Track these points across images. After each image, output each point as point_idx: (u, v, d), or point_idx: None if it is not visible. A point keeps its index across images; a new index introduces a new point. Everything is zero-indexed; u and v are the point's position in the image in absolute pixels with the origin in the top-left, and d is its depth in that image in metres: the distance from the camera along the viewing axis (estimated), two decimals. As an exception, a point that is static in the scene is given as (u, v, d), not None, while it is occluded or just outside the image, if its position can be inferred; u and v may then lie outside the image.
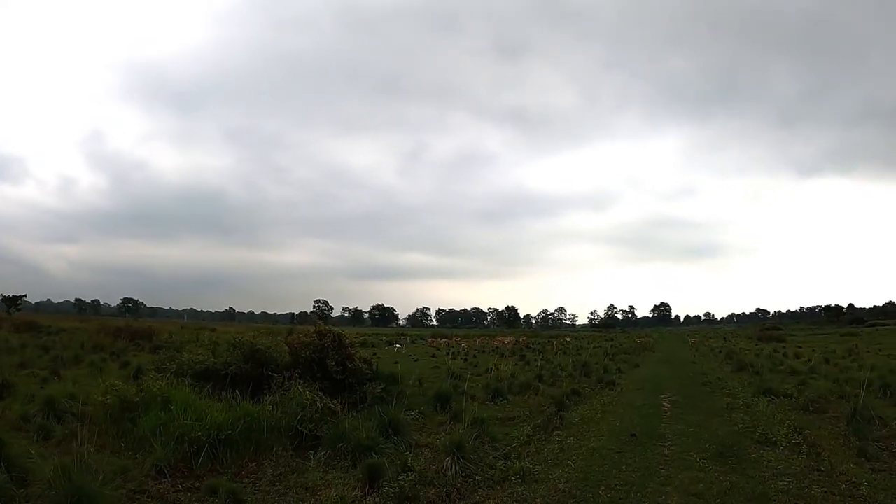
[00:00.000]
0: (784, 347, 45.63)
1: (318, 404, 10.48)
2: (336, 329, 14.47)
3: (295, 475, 8.32)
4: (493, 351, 41.06)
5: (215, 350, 13.98)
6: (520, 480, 8.28)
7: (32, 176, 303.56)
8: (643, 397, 17.04)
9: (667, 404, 15.53)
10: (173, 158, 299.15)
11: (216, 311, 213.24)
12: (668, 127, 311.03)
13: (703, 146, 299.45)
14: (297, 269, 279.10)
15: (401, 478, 7.82)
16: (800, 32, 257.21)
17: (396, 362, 27.92)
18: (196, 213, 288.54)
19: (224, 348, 13.89)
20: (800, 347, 44.90)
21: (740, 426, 12.22)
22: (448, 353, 36.25)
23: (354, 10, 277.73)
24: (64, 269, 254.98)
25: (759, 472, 8.68)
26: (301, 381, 11.81)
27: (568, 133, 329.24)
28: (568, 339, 62.26)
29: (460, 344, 51.93)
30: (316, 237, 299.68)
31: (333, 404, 10.80)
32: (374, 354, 33.03)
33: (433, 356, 34.24)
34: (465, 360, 31.86)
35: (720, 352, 39.36)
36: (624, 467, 9.01)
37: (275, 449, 9.25)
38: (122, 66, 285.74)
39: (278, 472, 8.46)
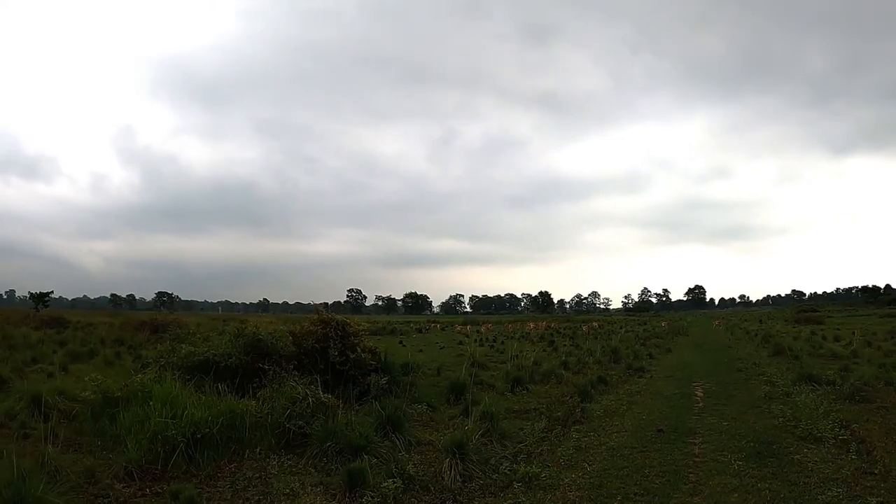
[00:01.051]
0: (822, 329, 43.89)
1: (310, 398, 9.58)
2: (339, 316, 13.58)
3: (272, 480, 7.41)
4: (523, 337, 40.11)
5: (223, 341, 13.22)
6: (524, 487, 7.24)
7: (64, 174, 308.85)
8: (674, 385, 15.93)
9: (699, 393, 14.38)
10: (203, 152, 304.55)
11: (250, 303, 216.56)
12: (698, 107, 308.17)
13: (735, 126, 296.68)
14: (329, 259, 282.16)
15: (384, 485, 6.88)
16: (831, 7, 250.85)
17: (421, 350, 27.55)
18: (228, 205, 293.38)
19: (227, 338, 13.07)
20: (839, 329, 43.02)
21: (780, 419, 10.96)
22: (476, 340, 35.45)
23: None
24: (99, 264, 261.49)
25: (803, 476, 7.49)
26: (297, 373, 11.10)
27: (598, 116, 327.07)
28: (595, 324, 61.06)
29: (490, 330, 51.35)
30: (348, 226, 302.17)
31: (327, 398, 9.84)
32: (400, 342, 32.74)
33: (460, 343, 33.30)
34: (492, 346, 31.04)
35: (756, 335, 37.82)
36: (647, 471, 7.88)
37: (258, 449, 8.39)
38: (150, 62, 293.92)
39: (255, 475, 7.57)
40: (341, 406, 9.94)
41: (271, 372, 10.98)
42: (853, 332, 35.30)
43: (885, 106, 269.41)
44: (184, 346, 12.68)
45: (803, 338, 33.06)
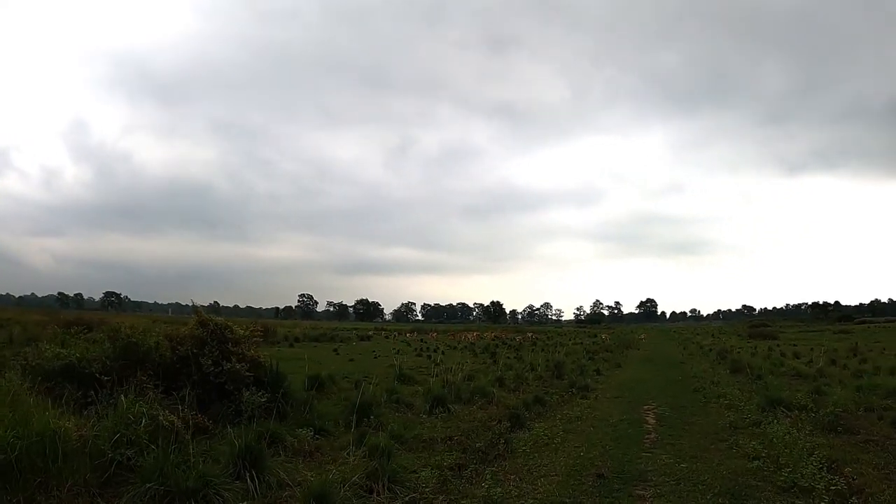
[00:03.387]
0: (779, 346, 42.76)
1: (144, 419, 7.37)
2: (220, 319, 11.20)
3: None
4: (466, 347, 38.09)
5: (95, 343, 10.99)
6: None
7: (15, 168, 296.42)
8: (622, 409, 13.74)
9: (651, 420, 12.18)
10: (158, 151, 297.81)
11: (201, 306, 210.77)
12: (656, 122, 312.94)
13: (691, 142, 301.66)
14: (282, 264, 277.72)
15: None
16: (789, 29, 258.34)
17: (352, 359, 25.74)
18: (181, 206, 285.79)
19: (100, 340, 11.05)
20: (795, 346, 41.88)
21: (753, 460, 8.63)
22: (416, 349, 33.46)
23: (340, 1, 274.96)
24: (48, 262, 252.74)
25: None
26: (151, 385, 9.16)
27: (555, 128, 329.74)
28: (530, 335, 59.74)
29: (436, 339, 50.35)
30: (302, 231, 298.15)
31: (171, 421, 7.64)
32: (335, 350, 30.51)
33: (398, 352, 31.00)
34: (430, 357, 29.07)
35: (710, 350, 36.22)
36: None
37: (69, 483, 6.18)
38: (106, 57, 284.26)
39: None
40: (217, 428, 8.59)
41: (106, 381, 8.93)
42: (811, 349, 33.83)
43: (837, 127, 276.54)
44: (49, 347, 10.36)
45: (761, 354, 31.80)
